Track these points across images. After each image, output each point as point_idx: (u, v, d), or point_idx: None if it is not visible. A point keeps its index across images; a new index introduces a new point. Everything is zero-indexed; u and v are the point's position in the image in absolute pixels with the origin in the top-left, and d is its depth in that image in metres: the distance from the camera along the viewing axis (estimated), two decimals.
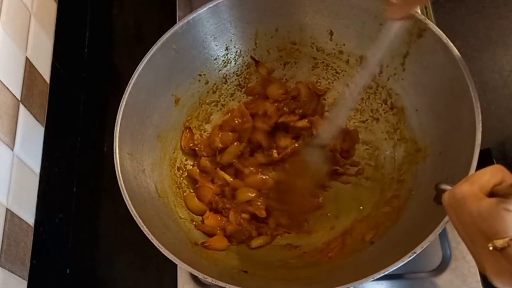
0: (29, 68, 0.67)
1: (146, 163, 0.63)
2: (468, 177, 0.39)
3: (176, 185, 0.68)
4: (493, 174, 0.38)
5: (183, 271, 0.65)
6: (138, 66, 0.60)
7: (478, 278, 0.62)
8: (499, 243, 0.35)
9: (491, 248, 0.35)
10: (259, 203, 0.66)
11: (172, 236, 0.57)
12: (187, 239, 0.61)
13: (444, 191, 0.40)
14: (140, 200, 0.57)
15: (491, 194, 0.37)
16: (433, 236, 0.48)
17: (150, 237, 0.52)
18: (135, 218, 0.53)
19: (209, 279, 0.50)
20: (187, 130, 0.71)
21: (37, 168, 0.66)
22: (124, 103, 0.59)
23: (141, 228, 0.52)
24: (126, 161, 0.58)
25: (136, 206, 0.54)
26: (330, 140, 0.65)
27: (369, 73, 0.60)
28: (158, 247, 0.51)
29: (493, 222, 0.35)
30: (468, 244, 0.39)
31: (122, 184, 0.55)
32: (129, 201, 0.54)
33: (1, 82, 0.60)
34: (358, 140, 0.71)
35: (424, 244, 0.48)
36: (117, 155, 0.57)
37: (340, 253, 0.61)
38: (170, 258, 0.51)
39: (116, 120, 0.58)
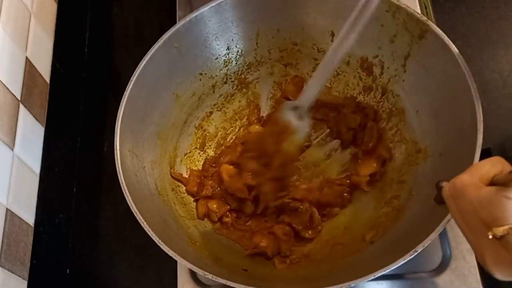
0: (29, 68, 0.67)
1: (147, 161, 0.63)
2: (468, 168, 0.39)
3: (176, 183, 0.68)
4: (493, 165, 0.38)
5: (183, 271, 0.65)
6: (139, 64, 0.60)
7: (478, 278, 0.62)
8: (499, 231, 0.35)
9: (490, 236, 0.35)
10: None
11: (172, 234, 0.57)
12: (187, 236, 0.61)
13: None
14: (140, 197, 0.57)
15: (491, 184, 0.37)
16: (435, 235, 0.48)
17: (151, 233, 0.51)
18: (135, 214, 0.53)
19: (209, 276, 0.50)
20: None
21: (37, 168, 0.66)
22: (125, 100, 0.59)
23: (142, 224, 0.52)
24: (126, 158, 0.58)
25: (137, 203, 0.54)
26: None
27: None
28: (158, 244, 0.51)
29: (493, 209, 0.35)
30: (468, 234, 0.38)
31: (123, 180, 0.55)
32: (130, 198, 0.53)
33: (1, 82, 0.60)
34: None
35: (426, 242, 0.48)
36: (118, 152, 0.57)
37: (340, 248, 0.61)
38: (171, 255, 0.50)
39: (117, 117, 0.58)
